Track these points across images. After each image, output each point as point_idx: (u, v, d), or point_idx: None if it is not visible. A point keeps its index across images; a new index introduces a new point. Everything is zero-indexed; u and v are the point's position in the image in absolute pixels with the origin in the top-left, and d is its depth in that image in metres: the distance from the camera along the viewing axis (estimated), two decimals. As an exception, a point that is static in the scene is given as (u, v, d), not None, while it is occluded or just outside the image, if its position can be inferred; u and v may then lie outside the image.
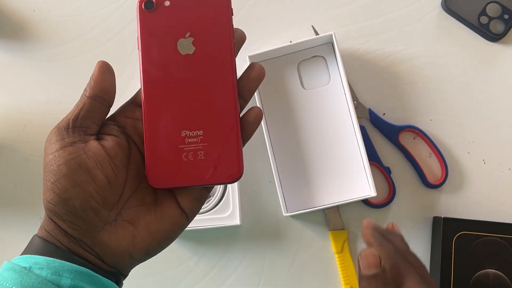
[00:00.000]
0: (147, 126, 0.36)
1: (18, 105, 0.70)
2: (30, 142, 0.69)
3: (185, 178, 0.36)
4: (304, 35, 0.68)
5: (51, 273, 0.33)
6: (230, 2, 0.37)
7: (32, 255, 0.34)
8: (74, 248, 0.35)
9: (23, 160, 0.69)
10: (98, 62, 0.36)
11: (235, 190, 0.63)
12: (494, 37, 0.67)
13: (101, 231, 0.35)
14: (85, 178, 0.34)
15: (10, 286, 0.32)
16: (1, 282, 0.33)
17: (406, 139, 0.66)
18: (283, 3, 0.70)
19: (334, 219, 0.65)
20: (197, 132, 0.36)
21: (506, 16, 0.67)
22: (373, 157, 0.65)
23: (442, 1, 0.68)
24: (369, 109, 0.66)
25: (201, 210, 0.63)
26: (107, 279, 0.35)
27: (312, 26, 0.68)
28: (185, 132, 0.36)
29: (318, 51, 0.67)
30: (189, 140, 0.36)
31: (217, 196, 0.64)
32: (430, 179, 0.65)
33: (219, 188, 0.64)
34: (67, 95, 0.70)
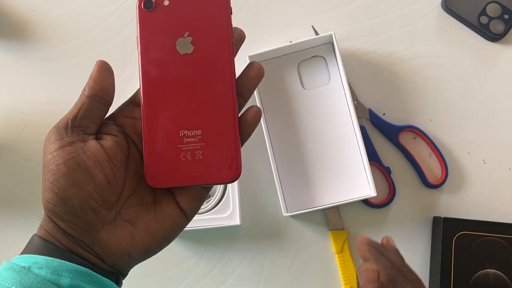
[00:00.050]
0: (145, 126, 0.36)
1: (18, 105, 0.70)
2: (30, 142, 0.69)
3: (183, 178, 0.36)
4: (304, 35, 0.68)
5: (50, 273, 0.33)
6: (229, 2, 0.37)
7: (32, 255, 0.34)
8: (73, 247, 0.35)
9: (23, 160, 0.69)
10: (97, 61, 0.36)
11: (235, 190, 0.63)
12: (494, 37, 0.67)
13: (100, 231, 0.35)
14: (84, 178, 0.34)
15: (10, 285, 0.32)
16: (1, 281, 0.33)
17: (406, 139, 0.66)
18: (283, 3, 0.70)
19: (334, 219, 0.65)
20: (195, 132, 0.36)
21: (506, 16, 0.67)
22: (373, 157, 0.65)
23: (442, 1, 0.68)
24: (369, 109, 0.66)
25: (201, 210, 0.63)
26: (106, 279, 0.35)
27: (312, 26, 0.68)
28: (183, 132, 0.36)
29: (318, 51, 0.67)
30: (187, 139, 0.36)
31: (217, 196, 0.64)
32: (430, 179, 0.65)
33: (219, 188, 0.64)
34: (67, 95, 0.70)
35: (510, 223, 0.61)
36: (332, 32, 0.63)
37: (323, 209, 0.65)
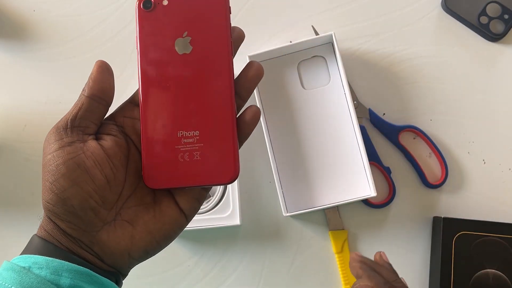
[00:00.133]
0: (144, 126, 0.36)
1: (18, 105, 0.70)
2: (30, 142, 0.69)
3: (181, 178, 0.36)
4: (304, 35, 0.68)
5: (50, 273, 0.33)
6: (228, 1, 0.37)
7: (31, 255, 0.34)
8: (73, 247, 0.35)
9: (23, 160, 0.69)
10: (97, 61, 0.36)
11: (235, 190, 0.63)
12: (494, 37, 0.67)
13: (100, 231, 0.35)
14: (83, 178, 0.34)
15: (10, 286, 0.32)
16: (1, 282, 0.33)
17: (406, 139, 0.66)
18: (283, 3, 0.70)
19: (334, 219, 0.65)
20: (193, 133, 0.36)
21: (506, 16, 0.67)
22: (373, 157, 0.65)
23: (442, 1, 0.68)
24: (369, 109, 0.66)
25: (201, 210, 0.63)
26: (106, 279, 0.35)
27: (312, 26, 0.68)
28: (181, 133, 0.36)
29: (318, 51, 0.67)
30: (185, 140, 0.36)
31: (217, 196, 0.64)
32: (430, 179, 0.65)
33: (219, 188, 0.64)
34: (67, 95, 0.70)
35: (510, 223, 0.61)
36: (332, 32, 0.63)
37: (323, 209, 0.65)
